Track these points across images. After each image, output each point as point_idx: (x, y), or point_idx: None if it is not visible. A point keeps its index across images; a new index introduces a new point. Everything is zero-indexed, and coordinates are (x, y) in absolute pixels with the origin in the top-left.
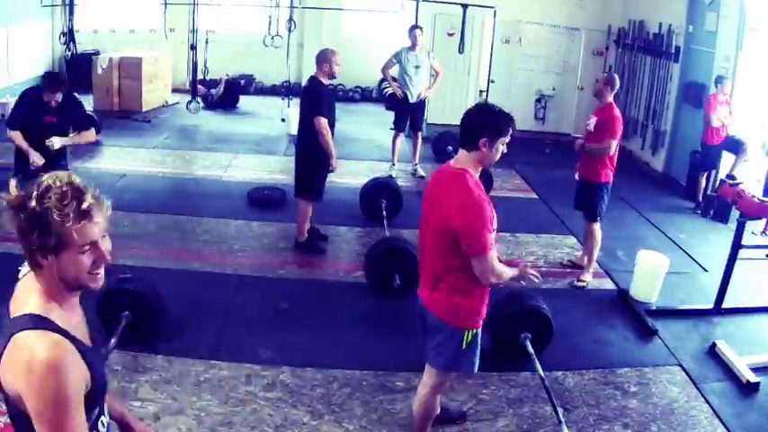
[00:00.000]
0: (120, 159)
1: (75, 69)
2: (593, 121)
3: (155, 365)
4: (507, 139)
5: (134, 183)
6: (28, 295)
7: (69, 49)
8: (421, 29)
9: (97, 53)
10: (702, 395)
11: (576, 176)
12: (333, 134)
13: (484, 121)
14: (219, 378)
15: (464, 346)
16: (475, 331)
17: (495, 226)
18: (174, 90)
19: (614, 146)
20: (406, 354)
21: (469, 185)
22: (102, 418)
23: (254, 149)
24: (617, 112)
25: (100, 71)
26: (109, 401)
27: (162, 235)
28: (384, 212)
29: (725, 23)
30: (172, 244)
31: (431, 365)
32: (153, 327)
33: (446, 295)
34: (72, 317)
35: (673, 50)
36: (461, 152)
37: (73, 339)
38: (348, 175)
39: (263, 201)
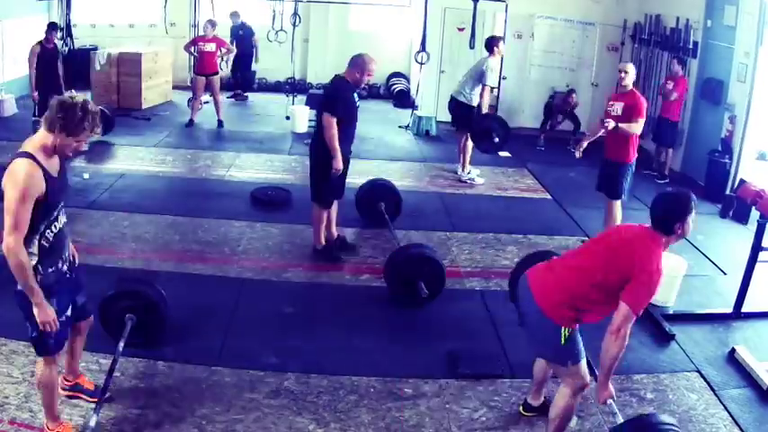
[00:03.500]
0: (119, 158)
1: (73, 65)
2: (619, 105)
3: (155, 371)
4: (695, 214)
5: (133, 182)
6: (33, 141)
7: (66, 45)
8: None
9: (95, 48)
10: (721, 402)
11: (577, 155)
12: (351, 137)
13: (674, 213)
14: (222, 384)
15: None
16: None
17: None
18: (175, 87)
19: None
20: (415, 359)
21: (659, 254)
22: (50, 230)
23: (258, 148)
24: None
25: (98, 67)
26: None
27: (162, 236)
28: (386, 216)
29: (744, 18)
30: (172, 246)
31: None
32: (157, 330)
33: (567, 309)
34: (50, 161)
35: (690, 46)
36: (657, 232)
37: (43, 168)
38: (354, 175)
39: (267, 201)
